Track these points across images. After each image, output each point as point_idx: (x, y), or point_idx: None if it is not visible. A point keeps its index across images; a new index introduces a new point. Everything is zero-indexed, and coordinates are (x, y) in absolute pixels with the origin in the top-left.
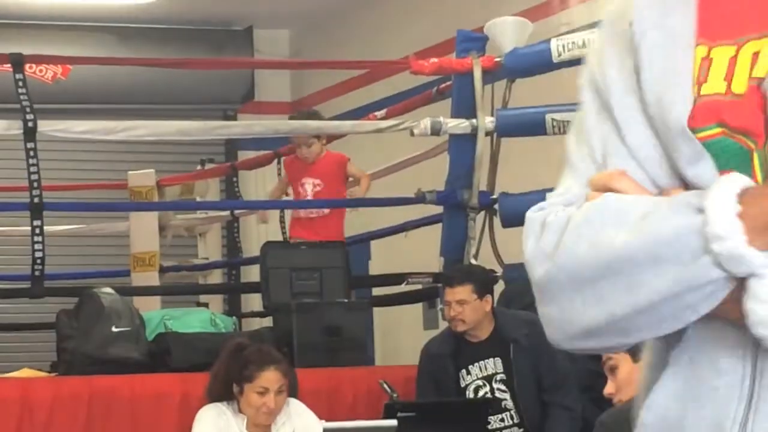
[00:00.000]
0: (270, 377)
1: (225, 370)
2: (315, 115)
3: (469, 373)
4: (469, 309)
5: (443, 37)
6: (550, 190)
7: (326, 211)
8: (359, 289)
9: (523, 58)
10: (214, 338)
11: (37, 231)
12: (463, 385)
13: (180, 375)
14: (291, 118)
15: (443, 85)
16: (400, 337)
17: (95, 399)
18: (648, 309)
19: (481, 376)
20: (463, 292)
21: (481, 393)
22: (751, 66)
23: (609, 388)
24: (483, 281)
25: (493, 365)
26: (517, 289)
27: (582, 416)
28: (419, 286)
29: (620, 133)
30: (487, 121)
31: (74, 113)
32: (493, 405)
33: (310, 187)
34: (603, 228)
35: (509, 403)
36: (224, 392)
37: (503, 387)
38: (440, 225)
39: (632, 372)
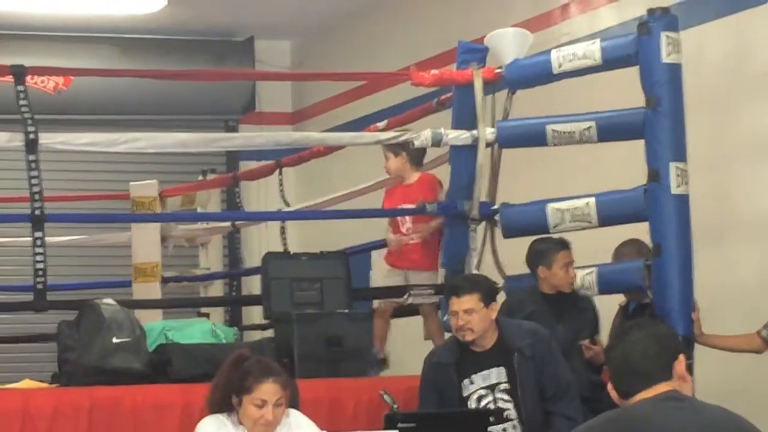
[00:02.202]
0: (268, 389)
1: (225, 381)
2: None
3: (472, 382)
4: (477, 318)
5: (444, 48)
6: (551, 200)
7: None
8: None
9: (524, 69)
10: (214, 349)
11: (39, 243)
12: (465, 394)
13: (181, 386)
14: None
15: (443, 97)
16: (401, 347)
17: (96, 410)
18: None
19: (485, 386)
20: (470, 301)
21: (484, 402)
22: None
23: None
24: (488, 289)
25: (496, 374)
26: (519, 299)
27: None
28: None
29: None
30: (488, 132)
31: (76, 124)
32: (496, 414)
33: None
34: None
35: (512, 413)
36: (224, 403)
37: (506, 396)
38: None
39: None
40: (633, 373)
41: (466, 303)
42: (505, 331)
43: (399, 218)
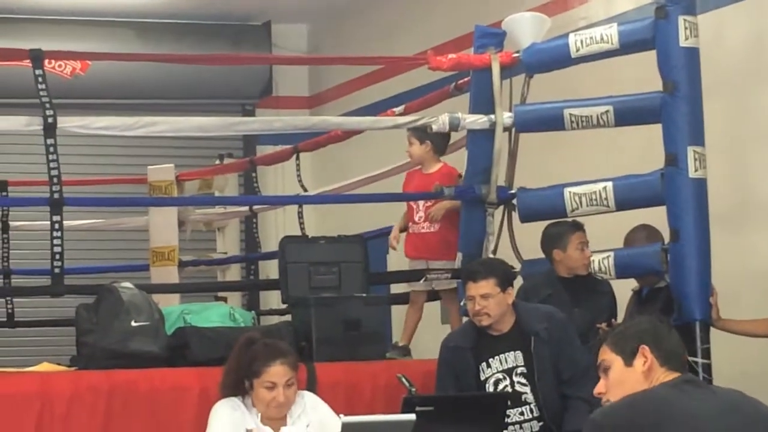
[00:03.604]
0: (277, 372)
1: (235, 365)
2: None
3: (489, 366)
4: (493, 302)
5: (461, 32)
6: (568, 185)
7: (436, 226)
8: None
9: (542, 53)
10: (232, 332)
11: (57, 227)
12: (483, 378)
13: (199, 369)
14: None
15: (461, 81)
16: (418, 331)
17: (114, 393)
18: None
19: (502, 369)
20: (486, 286)
21: (501, 386)
22: None
23: (600, 387)
24: (505, 274)
25: (513, 358)
26: (535, 283)
27: None
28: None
29: None
30: (506, 117)
31: (93, 108)
32: (513, 398)
33: (422, 201)
34: None
35: (529, 397)
36: (237, 387)
37: (523, 380)
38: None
39: (623, 373)
40: (680, 355)
41: (482, 288)
42: (521, 315)
43: (413, 206)
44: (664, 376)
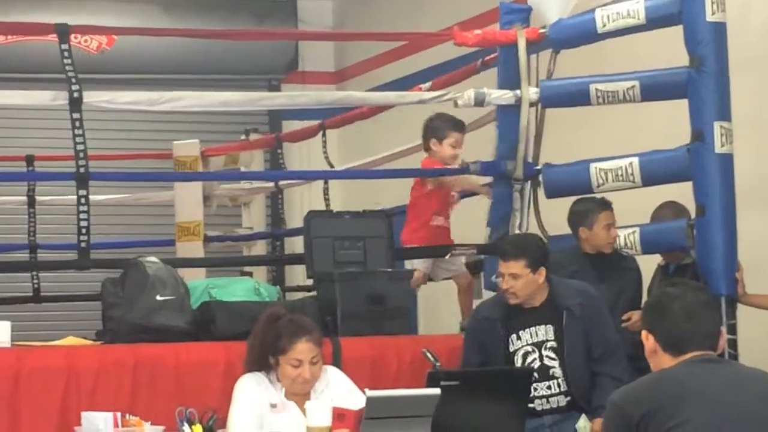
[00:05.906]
0: (303, 349)
1: (260, 341)
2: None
3: (519, 338)
4: (521, 283)
5: (487, 7)
6: (594, 160)
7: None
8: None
9: (568, 29)
10: (258, 307)
11: (83, 201)
12: (512, 349)
13: (224, 343)
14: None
15: (488, 57)
16: (443, 306)
17: (140, 367)
18: None
19: (531, 342)
20: (516, 266)
21: (529, 359)
22: None
23: None
24: (537, 254)
25: (544, 332)
26: (561, 259)
27: None
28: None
29: None
30: (532, 92)
31: (118, 83)
32: (541, 372)
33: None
34: None
35: (557, 371)
36: (262, 362)
37: (552, 354)
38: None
39: (647, 355)
40: (695, 330)
41: (511, 268)
42: (555, 289)
43: (451, 200)
44: (669, 360)
